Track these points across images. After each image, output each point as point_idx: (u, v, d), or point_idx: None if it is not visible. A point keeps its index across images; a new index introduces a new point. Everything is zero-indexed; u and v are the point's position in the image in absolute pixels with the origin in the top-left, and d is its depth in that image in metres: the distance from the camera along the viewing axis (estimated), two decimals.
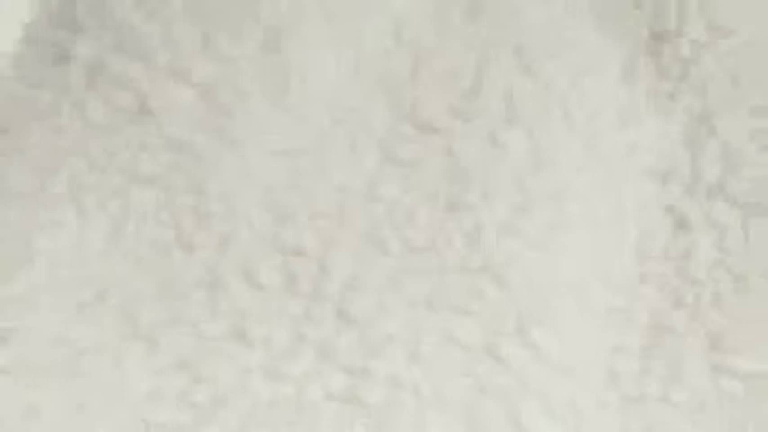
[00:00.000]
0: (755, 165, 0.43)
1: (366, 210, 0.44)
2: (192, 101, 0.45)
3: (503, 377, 0.41)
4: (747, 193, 0.43)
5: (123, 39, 0.47)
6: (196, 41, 0.46)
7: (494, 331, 0.42)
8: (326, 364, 0.42)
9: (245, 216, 0.44)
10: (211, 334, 0.42)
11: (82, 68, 0.46)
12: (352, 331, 0.42)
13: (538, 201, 0.43)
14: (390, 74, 0.47)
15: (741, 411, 0.42)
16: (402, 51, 0.48)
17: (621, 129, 0.45)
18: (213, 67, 0.46)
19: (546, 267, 0.43)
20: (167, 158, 0.44)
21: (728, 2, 0.48)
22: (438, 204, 0.45)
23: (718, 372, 0.41)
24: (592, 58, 0.47)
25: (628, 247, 0.43)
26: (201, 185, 0.44)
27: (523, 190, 0.43)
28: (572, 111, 0.45)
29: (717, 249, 0.42)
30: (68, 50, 0.46)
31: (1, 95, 0.46)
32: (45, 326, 0.43)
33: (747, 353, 0.43)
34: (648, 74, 0.45)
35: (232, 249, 0.43)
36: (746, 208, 0.43)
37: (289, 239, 0.43)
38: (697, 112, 0.44)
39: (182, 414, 0.39)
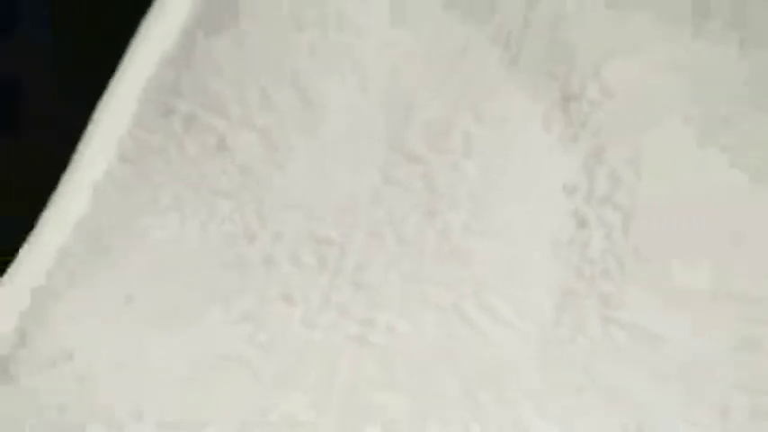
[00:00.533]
0: (632, 184, 0.52)
1: (372, 214, 0.52)
2: (255, 140, 0.54)
3: (464, 329, 0.49)
4: (626, 202, 0.52)
5: (208, 100, 0.55)
6: (257, 100, 0.55)
7: (458, 296, 0.50)
8: (345, 318, 0.49)
9: (290, 217, 0.52)
10: (268, 297, 0.50)
11: (181, 120, 0.55)
12: (362, 296, 0.50)
13: (487, 209, 0.52)
14: (388, 120, 0.55)
15: (624, 351, 0.48)
16: (397, 105, 0.55)
17: (542, 160, 0.53)
18: (269, 117, 0.54)
19: (492, 253, 0.51)
20: (238, 180, 0.53)
21: (614, 74, 0.55)
22: (420, 211, 0.52)
23: (607, 323, 0.49)
24: (523, 114, 0.55)
25: (546, 239, 0.52)
26: (261, 198, 0.52)
27: (477, 202, 0.52)
28: (510, 149, 0.54)
29: (606, 240, 0.51)
30: (173, 107, 0.55)
31: (128, 139, 0.54)
32: (152, 292, 0.50)
33: (627, 310, 0.49)
34: (560, 123, 0.54)
35: (281, 240, 0.51)
36: (625, 212, 0.51)
37: (320, 233, 0.52)
38: (592, 148, 0.53)
39: (249, 350, 0.48)
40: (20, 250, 0.50)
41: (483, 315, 0.50)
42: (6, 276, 0.50)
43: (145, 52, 0.57)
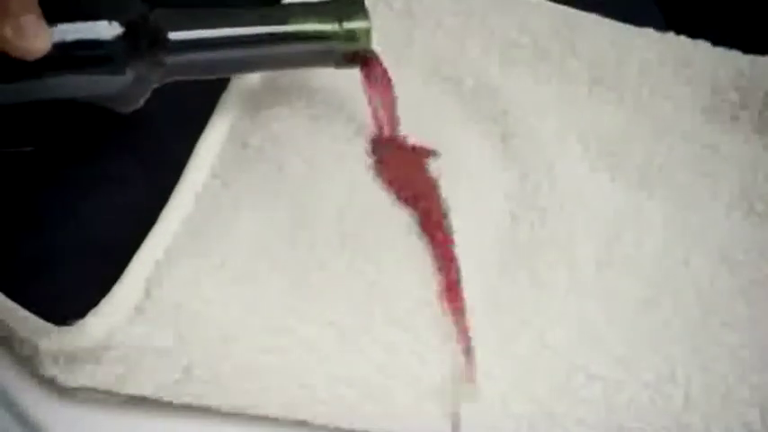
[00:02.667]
0: (547, 193, 0.61)
1: (380, 213, 0.60)
2: (300, 164, 0.61)
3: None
4: (544, 205, 0.61)
5: (271, 138, 0.62)
6: (303, 139, 0.61)
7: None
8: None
9: (320, 216, 0.59)
10: (308, 266, 0.56)
11: (253, 150, 0.61)
12: (361, 258, 0.57)
13: (456, 210, 0.60)
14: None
15: (539, 298, 0.57)
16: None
17: (490, 178, 0.63)
18: (310, 149, 0.62)
19: (459, 235, 0.59)
20: (289, 190, 0.59)
21: (533, 122, 0.65)
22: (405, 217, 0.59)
23: (531, 279, 0.58)
24: (477, 147, 0.64)
25: (492, 228, 0.61)
26: (303, 202, 0.59)
27: (450, 204, 0.60)
28: (469, 169, 0.63)
29: (530, 230, 0.60)
30: (247, 142, 0.62)
31: (218, 163, 0.60)
32: (236, 258, 0.55)
33: (544, 273, 0.58)
34: (501, 154, 0.64)
35: (316, 228, 0.58)
36: (543, 212, 0.61)
37: (340, 227, 0.58)
38: (521, 170, 0.62)
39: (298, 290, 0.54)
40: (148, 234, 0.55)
41: None
42: (136, 255, 0.55)
43: (229, 106, 0.63)
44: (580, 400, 0.54)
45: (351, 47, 0.60)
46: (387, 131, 0.61)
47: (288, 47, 0.59)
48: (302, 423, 0.53)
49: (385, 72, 0.60)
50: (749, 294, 0.58)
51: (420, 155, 0.61)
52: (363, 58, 0.60)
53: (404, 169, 0.60)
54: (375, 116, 0.61)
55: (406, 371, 0.53)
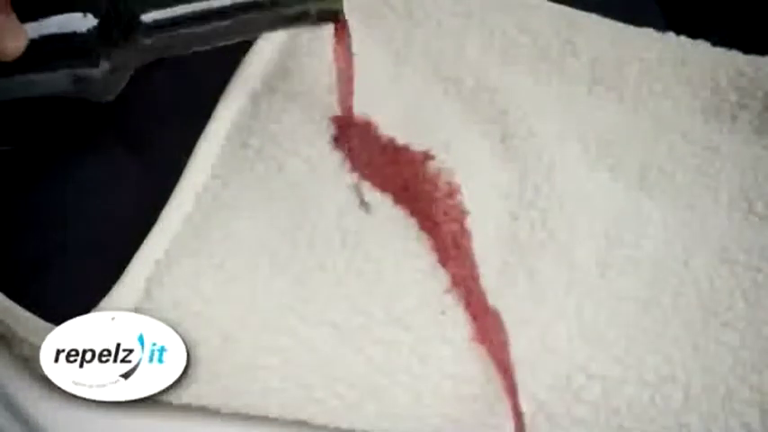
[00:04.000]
0: (547, 193, 0.61)
1: (385, 212, 0.60)
2: (301, 164, 0.62)
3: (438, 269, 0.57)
4: (544, 205, 0.61)
5: (270, 138, 0.63)
6: (302, 139, 0.62)
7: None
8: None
9: (320, 216, 0.59)
10: (308, 264, 0.56)
11: (254, 151, 0.62)
12: (361, 255, 0.57)
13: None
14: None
15: (540, 300, 0.57)
16: None
17: (489, 177, 0.63)
18: (310, 150, 0.62)
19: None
20: (289, 190, 0.60)
21: (533, 123, 0.65)
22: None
23: (531, 278, 0.58)
24: (476, 147, 0.64)
25: (491, 228, 0.60)
26: (303, 202, 0.59)
27: None
28: (470, 169, 0.62)
29: (531, 229, 0.60)
30: (247, 142, 0.63)
31: (218, 163, 0.61)
32: (234, 259, 0.56)
33: (543, 273, 0.58)
34: (501, 153, 0.64)
35: (317, 227, 0.58)
36: (543, 211, 0.61)
37: (340, 224, 0.59)
38: (521, 169, 0.63)
39: (296, 291, 0.54)
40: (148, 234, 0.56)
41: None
42: (136, 255, 0.56)
43: (229, 106, 0.64)
44: (580, 400, 0.54)
45: (324, 6, 0.60)
46: (342, 105, 0.62)
47: (263, 12, 0.60)
48: (302, 423, 0.53)
49: (348, 42, 0.61)
50: (749, 294, 0.58)
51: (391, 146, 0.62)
52: (336, 19, 0.60)
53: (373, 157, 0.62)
54: (339, 85, 0.62)
55: (406, 371, 0.53)
